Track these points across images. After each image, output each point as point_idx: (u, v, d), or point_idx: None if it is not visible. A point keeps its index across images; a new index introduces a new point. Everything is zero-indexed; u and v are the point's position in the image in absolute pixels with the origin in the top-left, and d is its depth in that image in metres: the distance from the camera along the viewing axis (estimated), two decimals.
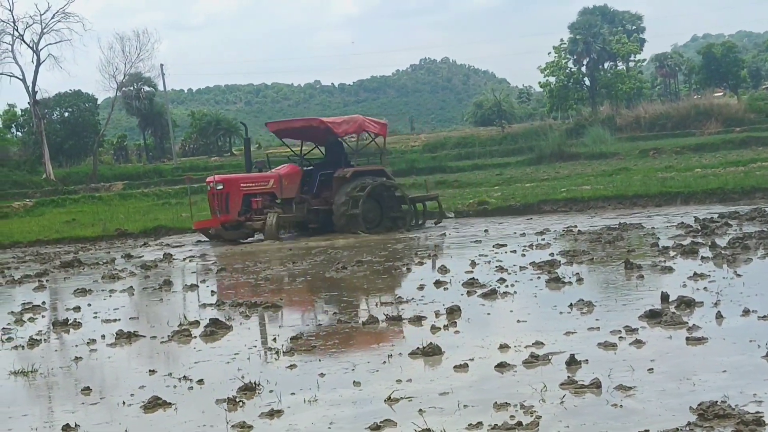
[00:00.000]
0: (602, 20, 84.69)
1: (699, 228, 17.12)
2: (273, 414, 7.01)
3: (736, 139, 49.05)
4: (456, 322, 10.17)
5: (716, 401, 6.25)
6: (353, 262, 16.15)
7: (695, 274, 11.91)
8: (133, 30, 74.36)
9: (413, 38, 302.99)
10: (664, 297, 10.16)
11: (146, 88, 78.54)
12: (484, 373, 7.90)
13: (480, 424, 6.34)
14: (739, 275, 11.84)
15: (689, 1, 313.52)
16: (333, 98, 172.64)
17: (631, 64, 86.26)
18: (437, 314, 10.65)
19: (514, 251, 16.39)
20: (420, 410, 6.77)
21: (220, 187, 22.47)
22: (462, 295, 12.01)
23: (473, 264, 14.85)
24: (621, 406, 6.55)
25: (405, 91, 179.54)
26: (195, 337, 10.55)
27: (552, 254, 15.33)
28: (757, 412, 6.04)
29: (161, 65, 73.34)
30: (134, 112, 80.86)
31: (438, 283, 13.15)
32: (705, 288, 10.99)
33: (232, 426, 6.80)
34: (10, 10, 60.15)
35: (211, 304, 12.97)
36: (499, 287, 12.18)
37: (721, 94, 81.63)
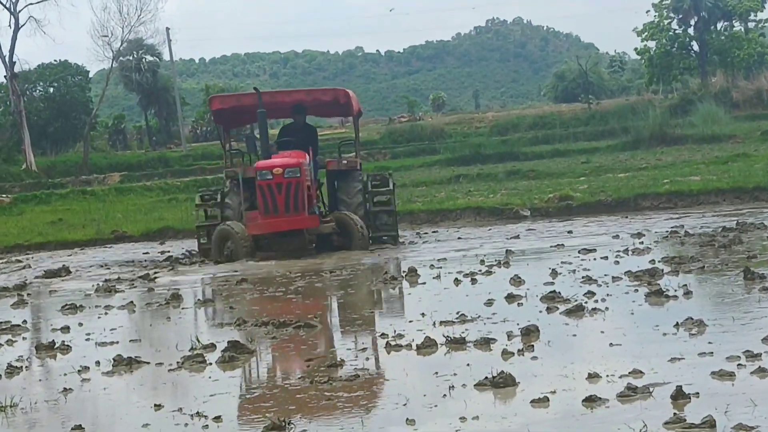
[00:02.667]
0: None
1: None
2: None
3: None
4: (533, 346, 10.14)
5: None
6: (403, 269, 16.19)
7: None
8: None
9: None
10: None
11: (149, 58, 79.04)
12: (568, 408, 7.87)
13: None
14: None
15: None
16: (379, 68, 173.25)
17: (751, 24, 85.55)
18: (510, 336, 10.63)
19: (606, 258, 16.34)
20: None
21: (297, 174, 20.07)
22: (540, 312, 11.99)
23: (554, 274, 14.84)
24: None
25: (468, 59, 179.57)
26: (210, 363, 10.57)
27: (653, 261, 15.27)
28: None
29: (167, 29, 74.19)
30: (134, 88, 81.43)
31: (510, 298, 13.11)
32: None
33: None
34: None
35: (229, 324, 13.01)
36: (586, 302, 12.14)
37: None
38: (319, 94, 21.94)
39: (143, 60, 78.35)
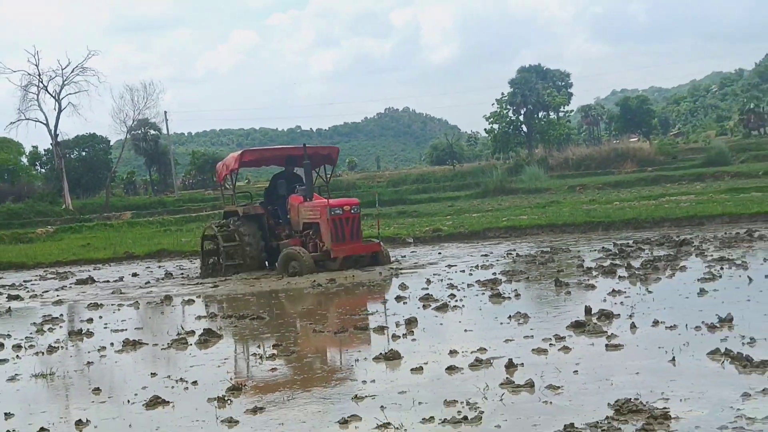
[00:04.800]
0: (536, 77, 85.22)
1: (617, 252, 17.20)
2: (256, 410, 6.97)
3: (648, 177, 49.41)
4: (413, 331, 10.16)
5: (630, 398, 6.28)
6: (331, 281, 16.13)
7: (613, 290, 11.96)
8: (141, 82, 74.44)
9: (380, 91, 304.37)
10: (587, 310, 10.20)
11: (152, 132, 78.18)
12: (436, 374, 7.89)
13: (432, 418, 6.34)
14: (650, 291, 11.90)
15: (609, 62, 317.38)
16: (311, 141, 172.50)
17: (561, 114, 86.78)
18: (397, 324, 10.64)
19: (463, 271, 16.39)
20: (381, 407, 6.76)
21: (358, 210, 18.74)
22: (418, 308, 11.99)
23: (428, 282, 14.84)
24: (551, 402, 6.57)
25: (372, 135, 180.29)
26: (191, 344, 10.49)
27: (494, 273, 15.35)
28: (665, 408, 6.08)
29: (165, 112, 73.47)
30: (141, 152, 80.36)
31: (399, 298, 13.12)
32: (621, 302, 11.04)
33: (221, 421, 6.76)
34: (36, 65, 60.67)
35: (204, 316, 12.92)
36: (449, 302, 12.17)
37: (636, 139, 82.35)
38: (319, 150, 20.26)
39: (148, 133, 77.41)
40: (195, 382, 8.14)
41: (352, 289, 15.19)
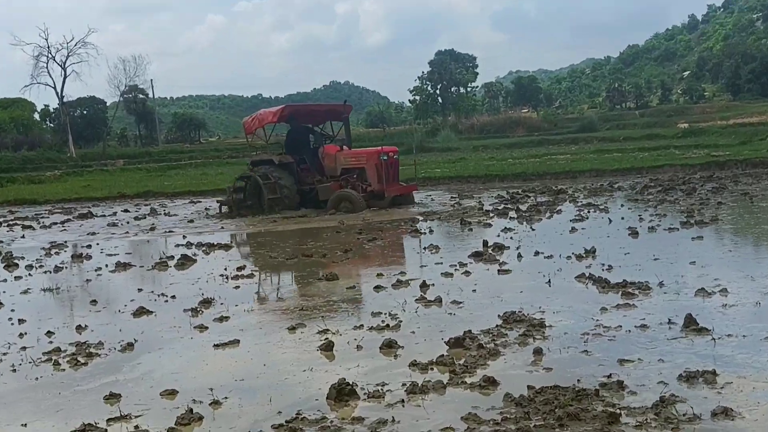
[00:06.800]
0: (450, 59, 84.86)
1: (509, 198, 17.37)
2: (222, 319, 6.92)
3: (535, 141, 49.74)
4: (349, 257, 10.17)
5: (515, 311, 6.38)
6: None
7: (505, 228, 12.11)
8: (131, 55, 72.63)
9: (326, 67, 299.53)
10: (485, 243, 10.30)
11: (140, 96, 76.16)
12: (366, 291, 7.92)
13: (362, 325, 6.37)
14: (533, 229, 12.06)
15: (507, 48, 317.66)
16: (270, 107, 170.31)
17: (469, 89, 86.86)
18: (337, 252, 10.63)
19: (386, 211, 16.31)
20: (322, 317, 6.76)
21: (397, 156, 17.53)
22: (358, 238, 12.00)
23: (363, 219, 14.75)
24: (454, 314, 6.64)
25: (320, 103, 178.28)
26: (171, 267, 10.34)
27: (414, 214, 15.40)
28: (541, 318, 6.20)
29: (151, 80, 72.76)
30: (132, 112, 78.18)
31: (338, 232, 13.07)
32: (511, 237, 11.17)
33: (194, 327, 6.70)
34: (45, 39, 59.14)
35: (182, 245, 12.70)
36: (376, 237, 12.13)
37: (527, 110, 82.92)
38: (338, 107, 18.49)
39: (137, 96, 75.32)
40: (174, 296, 8.04)
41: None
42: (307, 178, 17.55)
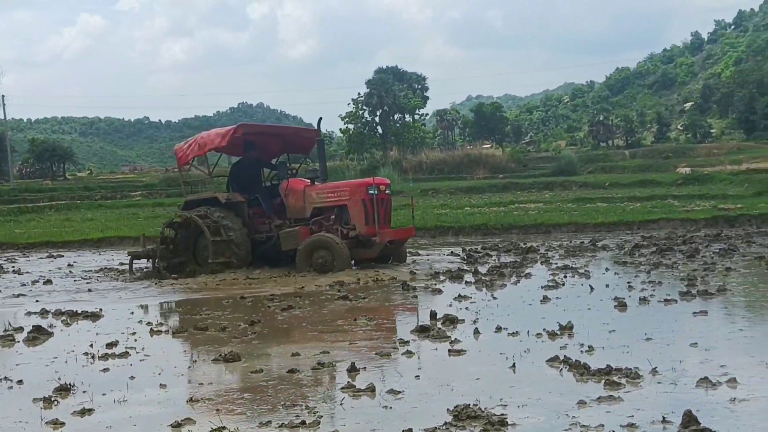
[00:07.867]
0: (393, 78, 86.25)
1: (465, 257, 17.54)
2: (84, 412, 6.74)
3: (499, 184, 50.62)
4: (256, 332, 10.07)
5: (469, 404, 6.38)
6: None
7: (459, 295, 12.18)
8: None
9: (233, 84, 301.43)
10: (433, 315, 10.33)
11: None
12: (276, 375, 7.84)
13: (269, 422, 6.28)
14: (495, 298, 12.17)
15: (466, 68, 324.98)
16: (160, 133, 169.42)
17: (417, 116, 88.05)
18: (240, 324, 10.52)
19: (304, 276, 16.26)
20: (217, 410, 6.65)
21: (390, 191, 16.98)
22: (268, 306, 11.93)
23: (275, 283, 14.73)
24: (390, 407, 6.61)
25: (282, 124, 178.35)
26: (18, 341, 10.07)
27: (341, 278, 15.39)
28: (502, 414, 6.21)
29: (2, 96, 70.82)
30: None
31: (243, 298, 12.97)
32: (467, 308, 11.22)
33: (46, 423, 6.50)
34: None
35: (35, 313, 12.38)
36: (270, 306, 12.08)
37: (489, 146, 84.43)
38: (303, 132, 18.51)
39: None
40: (20, 381, 7.80)
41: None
42: (260, 224, 16.96)
